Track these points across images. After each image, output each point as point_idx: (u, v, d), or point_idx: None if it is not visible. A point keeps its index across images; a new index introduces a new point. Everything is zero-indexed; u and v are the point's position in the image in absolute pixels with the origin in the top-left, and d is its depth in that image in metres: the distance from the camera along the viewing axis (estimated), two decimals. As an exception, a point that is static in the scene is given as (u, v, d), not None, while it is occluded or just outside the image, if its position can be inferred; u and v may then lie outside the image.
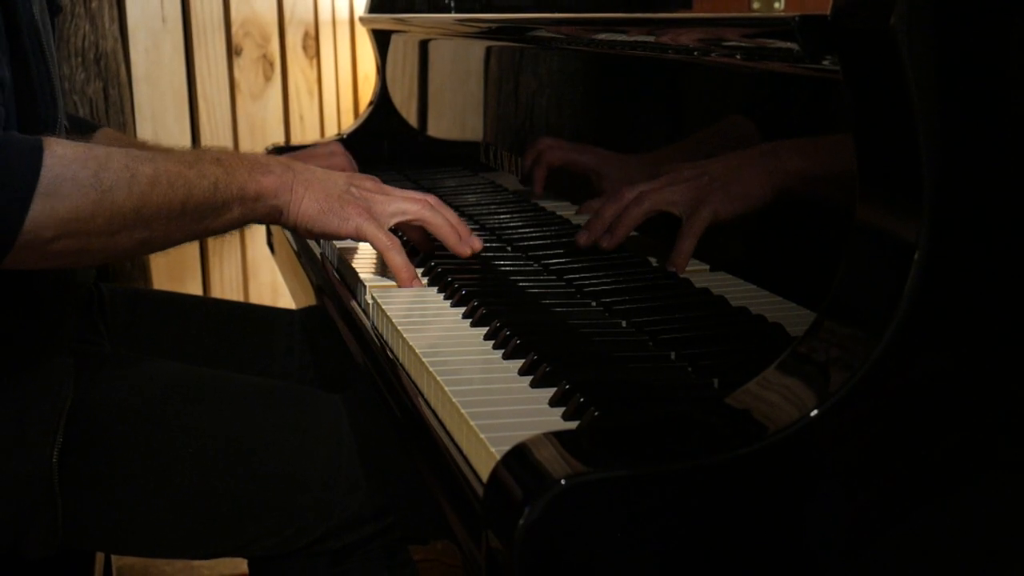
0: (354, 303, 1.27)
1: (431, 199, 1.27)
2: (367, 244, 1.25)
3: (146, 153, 1.09)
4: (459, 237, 1.26)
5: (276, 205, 1.17)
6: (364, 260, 1.36)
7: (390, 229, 1.24)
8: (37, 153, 0.99)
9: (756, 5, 2.01)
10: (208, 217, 1.12)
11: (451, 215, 1.28)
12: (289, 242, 1.68)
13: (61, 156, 1.00)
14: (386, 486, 1.19)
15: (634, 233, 1.20)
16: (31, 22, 1.18)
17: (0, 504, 1.14)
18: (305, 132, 2.71)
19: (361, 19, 2.26)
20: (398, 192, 1.26)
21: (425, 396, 0.98)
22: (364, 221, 1.21)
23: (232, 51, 2.60)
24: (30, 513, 1.14)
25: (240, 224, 1.17)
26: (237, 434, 1.21)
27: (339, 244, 1.43)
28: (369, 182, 1.26)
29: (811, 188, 0.95)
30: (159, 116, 2.54)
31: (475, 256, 1.28)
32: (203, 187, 1.10)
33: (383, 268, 1.33)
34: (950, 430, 0.75)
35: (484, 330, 1.09)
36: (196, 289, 2.64)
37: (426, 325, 1.12)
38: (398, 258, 1.23)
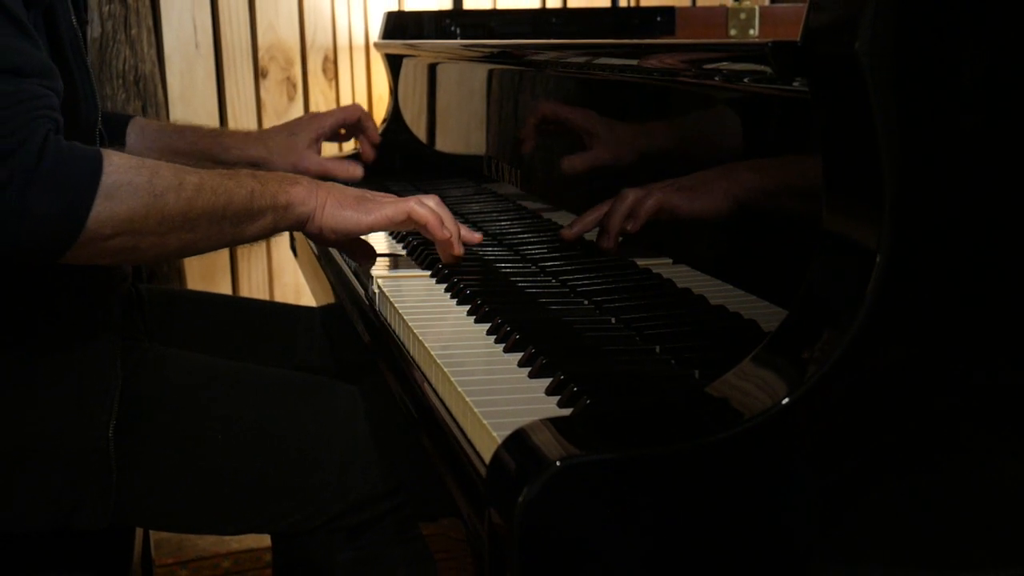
0: (368, 301, 1.26)
1: (441, 212, 1.25)
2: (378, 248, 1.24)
3: (191, 167, 1.10)
4: (454, 250, 1.24)
5: (304, 212, 1.17)
6: (377, 262, 1.36)
7: (393, 234, 1.23)
8: (98, 161, 1.00)
9: (733, 32, 2.02)
10: (245, 222, 1.12)
11: (453, 228, 1.25)
12: (310, 246, 1.68)
13: (119, 164, 1.01)
14: (398, 468, 1.19)
15: (620, 238, 1.20)
16: (72, 33, 1.18)
17: (60, 475, 1.14)
18: (325, 147, 2.70)
19: (375, 45, 2.26)
20: (411, 199, 1.25)
21: (433, 385, 0.98)
22: (387, 207, 1.19)
23: (259, 74, 2.60)
24: (87, 485, 1.14)
25: (272, 231, 1.16)
26: (263, 422, 1.21)
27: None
28: (383, 194, 1.26)
29: (781, 198, 0.95)
30: (192, 133, 2.53)
31: (478, 259, 1.28)
32: (241, 195, 1.10)
33: (394, 269, 1.33)
34: (909, 416, 0.75)
35: (487, 326, 1.09)
36: (226, 289, 2.64)
37: (434, 321, 1.12)
38: (421, 210, 1.20)
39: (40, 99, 1.00)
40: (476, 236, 1.27)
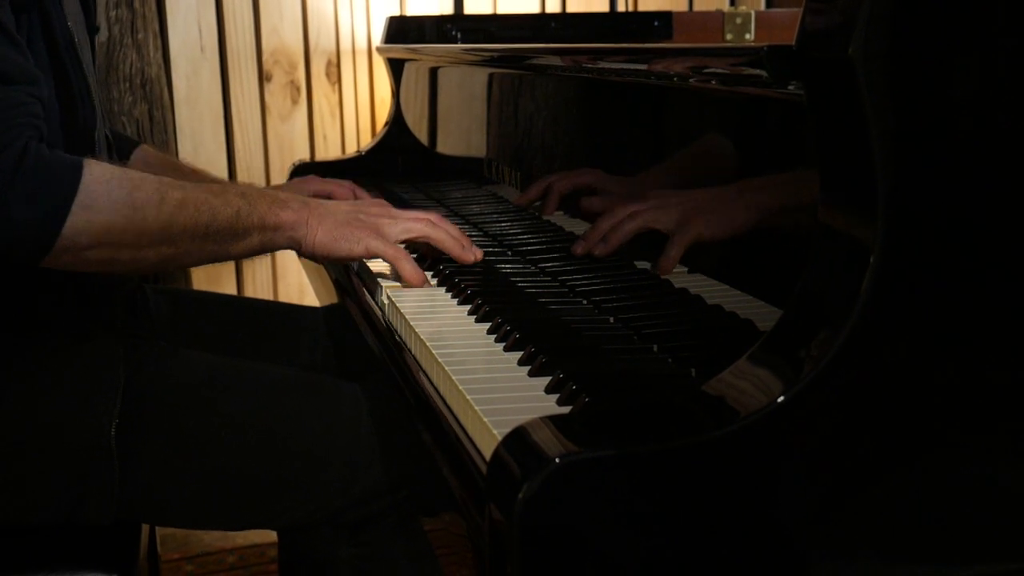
0: (371, 301, 1.26)
1: (433, 217, 1.26)
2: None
3: (177, 181, 1.10)
4: (462, 247, 1.26)
5: (294, 237, 1.17)
6: (380, 263, 1.36)
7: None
8: (77, 169, 0.99)
9: (729, 36, 2.02)
10: (229, 241, 1.12)
11: (452, 229, 1.27)
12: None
13: (99, 175, 1.01)
14: (400, 464, 1.19)
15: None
16: (67, 38, 1.18)
17: (63, 472, 1.14)
18: (328, 150, 2.70)
19: (378, 49, 2.26)
20: (403, 213, 1.26)
21: (434, 384, 0.98)
22: (373, 240, 1.20)
23: (263, 77, 2.60)
24: (90, 482, 1.14)
25: (260, 251, 1.17)
26: (268, 419, 1.21)
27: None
28: (375, 208, 1.25)
29: (779, 203, 0.95)
30: (198, 135, 2.54)
31: (477, 261, 1.28)
32: (227, 214, 1.10)
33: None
34: (904, 414, 0.75)
35: (487, 325, 1.09)
36: (231, 289, 2.64)
37: (435, 321, 1.12)
38: (408, 266, 1.23)
39: (24, 106, 1.00)
40: (478, 253, 1.28)
